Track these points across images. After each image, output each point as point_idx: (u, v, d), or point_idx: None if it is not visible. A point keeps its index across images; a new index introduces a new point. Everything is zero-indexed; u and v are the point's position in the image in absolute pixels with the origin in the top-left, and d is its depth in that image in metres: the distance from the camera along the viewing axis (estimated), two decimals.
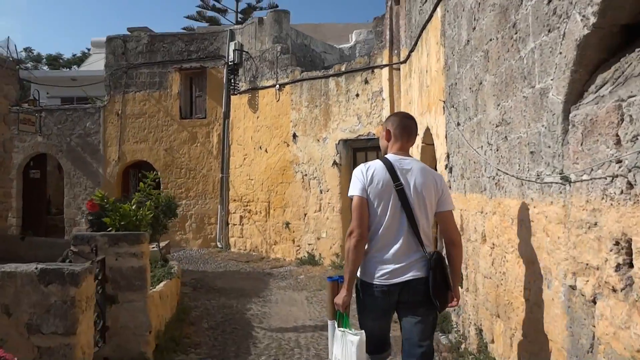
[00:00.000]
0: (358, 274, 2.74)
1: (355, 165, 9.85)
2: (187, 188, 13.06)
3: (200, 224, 12.92)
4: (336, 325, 2.80)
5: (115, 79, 13.75)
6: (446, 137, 5.32)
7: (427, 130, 6.47)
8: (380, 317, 2.76)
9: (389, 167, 2.70)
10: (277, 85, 11.18)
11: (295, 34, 12.66)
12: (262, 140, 11.61)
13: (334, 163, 9.88)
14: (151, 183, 5.92)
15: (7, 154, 10.32)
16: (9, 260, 8.74)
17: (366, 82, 9.40)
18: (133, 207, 4.83)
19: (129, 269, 4.15)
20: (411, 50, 7.63)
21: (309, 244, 10.32)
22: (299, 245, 10.56)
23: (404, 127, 2.86)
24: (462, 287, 4.18)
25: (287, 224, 10.75)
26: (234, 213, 12.40)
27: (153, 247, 6.64)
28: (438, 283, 2.63)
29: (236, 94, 12.46)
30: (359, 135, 9.51)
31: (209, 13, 30.92)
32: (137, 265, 4.17)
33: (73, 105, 15.00)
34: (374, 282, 2.66)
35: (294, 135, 10.74)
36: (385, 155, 2.83)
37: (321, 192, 10.12)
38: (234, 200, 12.38)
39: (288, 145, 10.88)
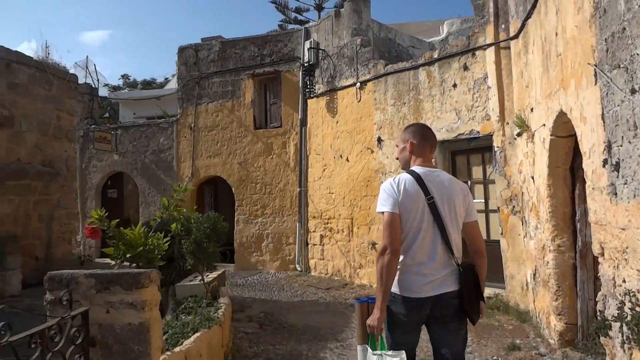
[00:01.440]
0: (393, 289, 2.66)
1: (454, 172, 8.08)
2: (263, 205, 11.85)
3: (278, 244, 11.62)
4: (369, 350, 2.63)
5: (187, 90, 12.98)
6: (603, 117, 3.49)
7: (560, 116, 4.62)
8: (410, 331, 2.72)
9: (419, 180, 2.67)
10: (358, 84, 9.67)
11: (377, 27, 11.12)
12: (343, 148, 10.11)
13: None
14: (178, 199, 4.58)
15: (71, 172, 9.66)
16: None
17: (465, 68, 7.61)
18: (142, 232, 3.45)
19: (125, 327, 2.77)
20: (526, 18, 5.81)
21: None
22: None
23: (426, 137, 2.85)
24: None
25: (374, 244, 9.11)
26: (313, 232, 10.97)
27: (196, 281, 5.30)
28: (471, 295, 2.63)
29: (313, 98, 11.10)
30: (459, 134, 7.72)
31: (291, 26, 30.31)
32: (136, 320, 2.78)
33: (147, 121, 14.46)
34: (408, 296, 2.63)
35: (379, 140, 9.13)
36: (412, 168, 2.77)
37: None
38: (314, 217, 10.96)
39: (372, 151, 9.29)
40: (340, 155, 10.17)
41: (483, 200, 7.69)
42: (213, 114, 12.60)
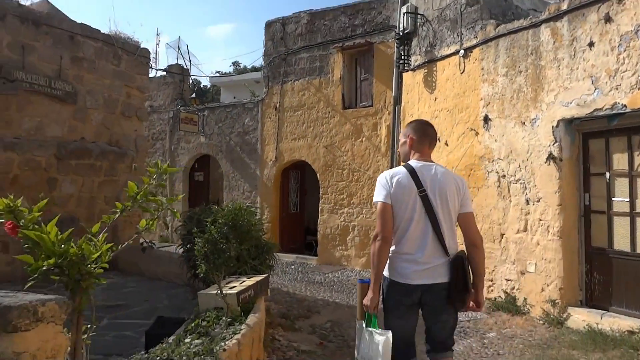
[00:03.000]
0: (385, 274, 2.86)
1: (585, 160, 6.21)
2: (350, 193, 10.54)
3: (365, 238, 10.25)
4: (364, 326, 2.85)
5: (273, 68, 11.99)
6: None
7: None
8: (404, 315, 2.85)
9: (412, 173, 2.81)
10: (462, 51, 7.94)
11: None
12: (441, 130, 8.45)
13: (550, 157, 6.29)
14: (158, 184, 3.34)
15: (140, 152, 9.05)
16: (130, 275, 6.83)
17: (608, 20, 5.64)
18: (56, 233, 2.21)
19: None
20: None
21: (508, 280, 6.86)
22: (491, 280, 7.16)
23: (426, 134, 3.00)
24: None
25: None
26: None
27: (231, 286, 4.11)
28: (457, 286, 2.75)
29: (408, 71, 9.52)
30: (594, 110, 5.78)
31: None
32: None
33: (232, 102, 13.74)
34: (400, 282, 2.79)
35: (486, 119, 7.37)
36: (408, 162, 2.92)
37: (528, 203, 6.60)
38: None
39: (477, 133, 7.56)
40: (439, 139, 8.51)
41: (628, 200, 5.72)
42: (299, 93, 11.48)
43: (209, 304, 4.16)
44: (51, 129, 7.83)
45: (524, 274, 6.62)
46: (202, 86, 29.24)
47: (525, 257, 6.60)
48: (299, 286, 8.59)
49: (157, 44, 26.59)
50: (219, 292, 3.76)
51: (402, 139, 3.08)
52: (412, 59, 9.42)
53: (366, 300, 2.82)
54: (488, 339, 5.62)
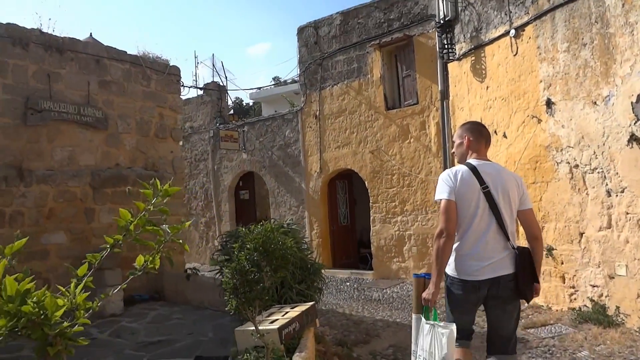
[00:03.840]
0: (448, 271, 2.93)
1: None
2: (402, 200, 9.79)
3: (423, 247, 9.46)
4: (423, 319, 2.93)
5: (309, 74, 11.45)
6: None
7: None
8: (468, 311, 2.96)
9: (474, 171, 2.91)
10: (512, 31, 7.11)
11: None
12: (497, 121, 7.62)
13: (632, 139, 5.38)
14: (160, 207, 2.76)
15: (178, 174, 8.67)
16: (176, 304, 6.39)
17: None
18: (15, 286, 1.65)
19: None
20: None
21: (593, 286, 5.93)
22: (573, 287, 6.24)
23: (481, 133, 3.12)
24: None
25: (550, 249, 6.53)
26: None
27: (268, 321, 3.50)
28: (526, 277, 2.84)
29: (453, 61, 8.73)
30: None
31: None
32: None
33: (271, 114, 13.30)
34: (466, 279, 2.86)
35: (549, 103, 6.50)
36: (468, 161, 3.01)
37: (609, 195, 5.69)
38: None
39: (540, 120, 6.69)
40: (495, 131, 7.68)
41: None
42: (339, 98, 10.87)
43: (247, 342, 3.58)
44: (84, 157, 7.56)
45: (613, 278, 5.68)
46: (244, 104, 29.24)
47: (613, 258, 5.67)
48: (355, 305, 7.91)
49: (196, 66, 26.82)
50: (249, 334, 3.18)
51: (457, 140, 3.17)
52: (457, 47, 8.63)
53: (427, 294, 2.89)
54: (580, 359, 4.75)
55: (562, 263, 6.39)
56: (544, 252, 6.61)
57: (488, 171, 2.94)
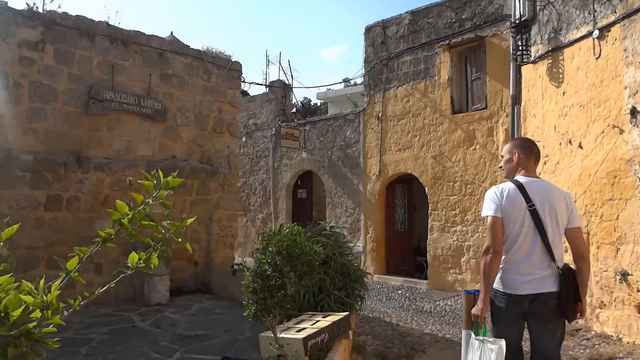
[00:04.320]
0: (494, 285, 2.94)
1: None
2: (463, 209, 9.25)
3: None
4: (472, 335, 2.98)
5: (374, 75, 11.12)
6: None
7: None
8: (511, 323, 2.97)
9: (521, 188, 2.93)
10: (596, 31, 6.45)
11: None
12: (573, 130, 6.97)
13: None
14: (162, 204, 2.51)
15: (233, 170, 8.62)
16: (222, 299, 6.40)
17: None
18: None
19: None
20: None
21: None
22: None
23: (532, 150, 3.11)
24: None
25: (625, 274, 5.85)
26: None
27: (298, 328, 3.24)
28: (569, 296, 2.85)
29: (528, 64, 8.12)
30: None
31: None
32: None
33: (333, 114, 13.08)
34: (507, 292, 2.91)
35: (633, 112, 5.82)
36: (516, 178, 3.03)
37: None
38: None
39: (622, 131, 6.01)
40: (569, 141, 7.03)
41: None
42: (403, 100, 10.47)
43: (271, 350, 3.34)
44: (141, 148, 7.66)
45: None
46: (312, 104, 29.28)
47: None
48: (404, 316, 7.51)
49: (267, 65, 27.08)
50: (273, 341, 2.94)
51: (507, 156, 3.19)
52: (532, 49, 8.01)
53: (476, 310, 2.94)
54: None
55: (639, 291, 5.70)
56: (618, 278, 5.96)
57: (536, 189, 2.97)
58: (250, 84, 12.10)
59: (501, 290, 2.95)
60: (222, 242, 8.20)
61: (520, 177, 3.03)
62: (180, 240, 2.24)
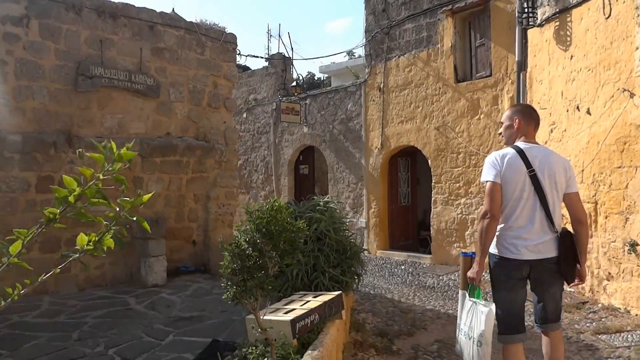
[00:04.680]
0: (492, 251, 3.02)
1: None
2: (467, 181, 9.00)
3: None
4: (467, 296, 3.09)
5: (375, 44, 10.76)
6: None
7: None
8: (513, 288, 2.97)
9: (522, 154, 2.95)
10: None
11: None
12: (581, 95, 6.65)
13: None
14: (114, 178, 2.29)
15: (230, 146, 8.40)
16: (222, 278, 6.54)
17: None
18: None
19: None
20: None
21: None
22: None
23: (532, 116, 3.15)
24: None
25: (634, 245, 5.61)
26: None
27: (286, 309, 3.06)
28: (568, 259, 2.94)
29: (534, 27, 7.75)
30: None
31: None
32: None
33: (334, 87, 12.75)
34: (509, 257, 2.93)
35: None
36: (516, 144, 3.06)
37: None
38: None
39: (632, 95, 5.69)
40: (577, 107, 6.72)
41: None
42: (405, 70, 10.14)
43: (256, 334, 3.16)
44: (134, 125, 7.45)
45: None
46: (316, 78, 28.82)
47: None
48: (406, 292, 7.35)
49: (268, 39, 26.66)
50: (254, 324, 2.75)
51: (506, 122, 3.21)
52: (539, 12, 7.63)
53: (472, 273, 3.02)
54: None
55: None
56: (626, 248, 5.72)
57: (535, 154, 2.98)
58: (247, 56, 12.01)
59: (503, 256, 2.96)
60: (220, 220, 8.03)
61: (520, 143, 3.05)
62: (135, 219, 2.03)
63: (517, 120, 3.12)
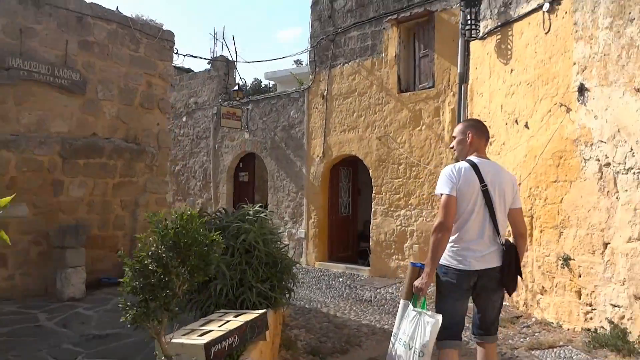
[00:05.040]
0: (442, 262, 3.07)
1: None
2: (407, 192, 8.90)
3: (425, 245, 8.53)
4: (411, 306, 3.10)
5: (320, 51, 10.58)
6: None
7: None
8: (461, 297, 3.10)
9: (475, 168, 3.05)
10: (546, 4, 6.12)
11: None
12: (520, 109, 6.67)
13: None
14: None
15: (163, 150, 7.92)
16: None
17: None
18: None
19: None
20: None
21: (615, 306, 5.01)
22: (590, 304, 5.33)
23: (483, 131, 3.28)
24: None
25: (567, 259, 5.61)
26: None
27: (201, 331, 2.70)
28: (511, 271, 3.09)
29: (477, 40, 7.77)
30: None
31: None
32: None
33: (277, 93, 12.48)
34: (460, 268, 3.03)
35: (581, 89, 5.53)
36: (469, 158, 3.15)
37: None
38: None
39: (569, 110, 5.72)
40: (516, 121, 6.74)
41: None
42: (349, 78, 9.99)
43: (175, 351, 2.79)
44: (56, 123, 6.85)
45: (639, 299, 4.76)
46: (262, 85, 28.44)
47: None
48: (343, 305, 7.10)
49: (214, 43, 25.99)
50: (158, 351, 2.40)
51: (459, 136, 3.27)
52: (482, 24, 7.66)
53: (420, 283, 3.02)
54: None
55: (580, 276, 5.47)
56: (560, 263, 5.72)
57: (488, 169, 3.09)
58: (185, 56, 11.35)
59: (454, 267, 3.04)
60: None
61: (473, 158, 3.13)
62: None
63: (470, 135, 3.20)
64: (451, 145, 3.39)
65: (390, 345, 3.23)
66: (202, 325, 3.09)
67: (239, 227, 4.01)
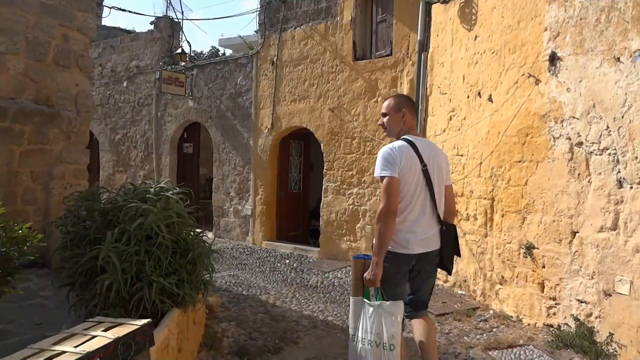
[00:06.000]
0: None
1: None
2: (361, 169, 8.22)
3: None
4: (365, 301, 2.92)
5: (270, 12, 9.64)
6: None
7: None
8: (403, 282, 3.05)
9: (414, 149, 2.92)
10: None
11: None
12: (483, 80, 6.02)
13: None
14: None
15: (82, 114, 6.91)
16: (59, 275, 5.00)
17: None
18: None
19: None
20: None
21: (581, 302, 4.50)
22: (554, 299, 4.81)
23: (414, 108, 3.22)
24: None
25: (530, 247, 5.06)
26: None
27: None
28: (450, 252, 3.09)
29: (439, 3, 7.05)
30: None
31: None
32: None
33: (223, 57, 11.50)
34: (401, 252, 2.92)
35: (553, 58, 4.90)
36: (406, 137, 3.00)
37: (620, 185, 4.19)
38: None
39: (538, 81, 5.09)
40: (479, 93, 6.10)
41: None
42: (301, 43, 9.13)
43: None
44: None
45: (610, 295, 4.23)
46: (220, 54, 27.11)
47: (614, 270, 4.20)
48: (285, 292, 6.40)
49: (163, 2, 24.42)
50: None
51: (392, 113, 3.10)
52: None
53: (371, 275, 2.85)
54: None
55: (544, 267, 4.93)
56: (522, 251, 5.17)
57: (425, 149, 2.99)
58: (111, 8, 10.14)
59: (395, 251, 2.93)
60: (62, 202, 6.55)
61: (410, 136, 3.01)
62: None
63: (405, 112, 3.06)
64: (380, 122, 3.19)
65: (351, 349, 2.98)
66: (56, 343, 2.29)
67: (137, 207, 3.20)
